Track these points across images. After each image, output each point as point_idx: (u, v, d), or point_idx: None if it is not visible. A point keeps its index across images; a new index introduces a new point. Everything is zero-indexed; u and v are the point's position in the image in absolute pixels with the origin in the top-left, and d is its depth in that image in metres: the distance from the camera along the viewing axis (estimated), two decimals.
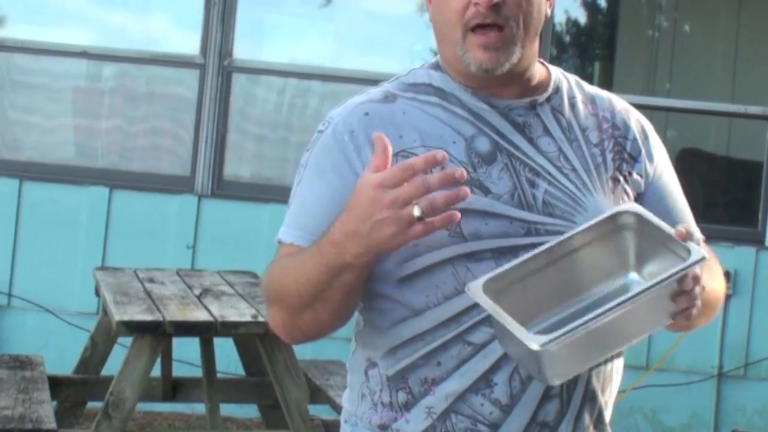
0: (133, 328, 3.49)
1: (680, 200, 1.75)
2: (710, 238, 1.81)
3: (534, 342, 1.42)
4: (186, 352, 4.63)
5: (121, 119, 5.57)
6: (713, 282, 1.66)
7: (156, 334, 3.51)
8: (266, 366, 3.72)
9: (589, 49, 6.84)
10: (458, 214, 1.43)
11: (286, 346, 3.66)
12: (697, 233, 1.75)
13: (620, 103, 1.75)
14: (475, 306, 1.56)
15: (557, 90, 1.70)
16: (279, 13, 5.91)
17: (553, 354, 1.44)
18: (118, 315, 3.52)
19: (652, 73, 6.58)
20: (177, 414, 5.16)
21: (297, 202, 1.66)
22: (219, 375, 4.34)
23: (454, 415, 1.60)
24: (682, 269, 1.47)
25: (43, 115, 5.57)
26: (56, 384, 4.13)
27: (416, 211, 1.40)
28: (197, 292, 4.00)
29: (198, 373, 4.36)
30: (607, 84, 6.09)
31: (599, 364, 1.63)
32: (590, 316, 1.44)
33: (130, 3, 5.75)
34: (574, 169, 1.65)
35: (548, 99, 1.68)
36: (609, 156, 1.68)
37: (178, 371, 4.47)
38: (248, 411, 4.93)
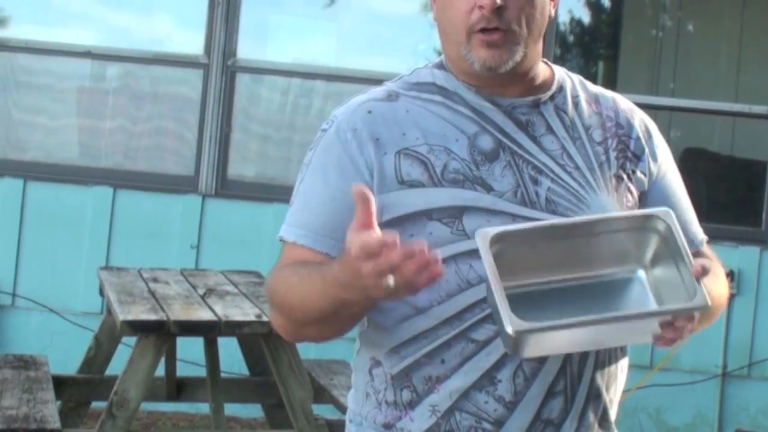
0: (137, 327, 3.50)
1: (684, 200, 1.75)
2: (714, 237, 1.81)
3: (510, 325, 1.43)
4: (190, 351, 4.64)
5: (125, 119, 5.57)
6: (716, 287, 1.66)
7: (160, 334, 3.51)
8: (270, 366, 3.72)
9: (593, 48, 6.84)
10: (439, 273, 1.41)
11: (290, 346, 3.66)
12: (700, 234, 1.76)
13: (624, 103, 1.76)
14: (479, 303, 1.56)
15: (561, 89, 1.70)
16: (283, 12, 5.91)
17: (527, 339, 1.46)
18: (123, 315, 3.52)
19: (655, 73, 6.58)
20: (181, 414, 5.17)
21: (300, 201, 1.67)
22: (223, 375, 4.34)
23: (458, 412, 1.61)
24: (680, 310, 1.48)
25: (47, 115, 5.58)
26: (60, 384, 4.13)
27: (390, 282, 1.40)
28: (201, 291, 4.00)
29: (202, 372, 4.36)
30: (610, 83, 6.09)
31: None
32: (573, 320, 1.45)
33: (134, 3, 5.75)
34: (577, 167, 1.65)
35: (552, 97, 1.69)
36: (612, 154, 1.68)
37: (182, 371, 4.48)
38: (252, 411, 4.93)
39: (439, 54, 1.75)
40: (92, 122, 5.62)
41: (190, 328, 3.60)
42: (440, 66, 1.70)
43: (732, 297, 5.21)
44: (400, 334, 1.62)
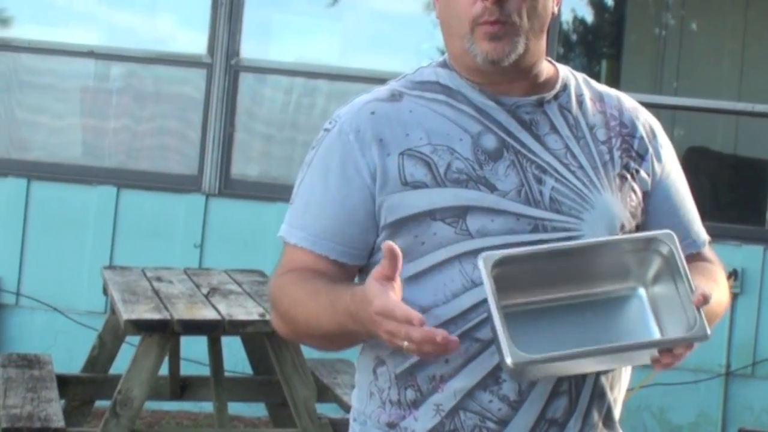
0: (141, 326, 3.50)
1: (687, 200, 1.75)
2: (717, 236, 1.81)
3: (510, 357, 1.44)
4: (194, 350, 4.64)
5: (128, 119, 5.58)
6: (716, 294, 1.66)
7: (164, 333, 3.52)
8: (274, 365, 3.72)
9: (597, 47, 6.83)
10: (453, 351, 1.46)
11: (293, 345, 3.66)
12: (703, 234, 1.76)
13: (629, 101, 1.76)
14: (483, 303, 1.56)
15: (565, 87, 1.70)
16: (286, 12, 5.91)
17: (527, 367, 1.48)
18: (126, 314, 3.53)
19: (659, 72, 6.58)
20: (185, 413, 5.17)
21: (301, 202, 1.68)
22: (227, 374, 4.34)
23: (462, 412, 1.61)
24: (680, 341, 1.49)
25: (51, 115, 5.59)
26: (64, 383, 4.14)
27: (404, 345, 1.45)
28: (205, 290, 4.00)
29: (206, 371, 4.36)
30: (614, 82, 6.09)
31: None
32: (573, 351, 1.46)
33: (137, 3, 5.76)
34: (581, 167, 1.65)
35: (556, 96, 1.69)
36: (616, 153, 1.68)
37: (186, 370, 4.48)
38: (256, 410, 4.93)
39: (443, 53, 1.74)
40: (95, 122, 5.62)
41: (194, 327, 3.61)
42: (444, 65, 1.70)
43: (735, 296, 5.21)
44: None
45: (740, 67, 6.40)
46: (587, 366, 1.55)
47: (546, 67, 1.71)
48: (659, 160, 1.72)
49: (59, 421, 3.58)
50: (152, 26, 5.80)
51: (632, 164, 1.69)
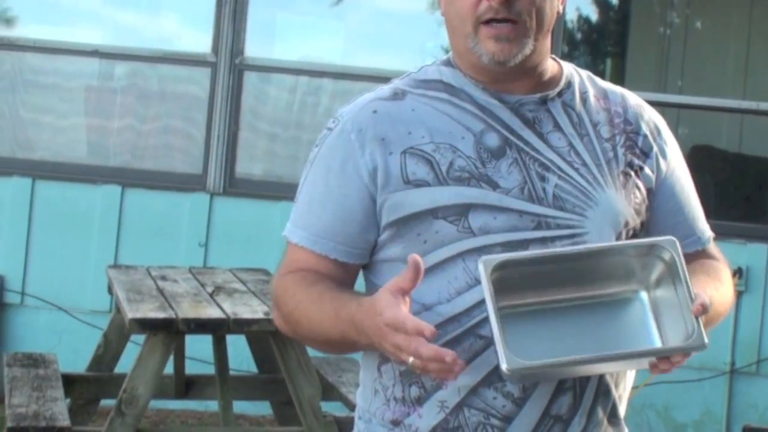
0: (145, 325, 3.51)
1: (692, 197, 1.75)
2: (722, 234, 1.81)
3: (505, 363, 1.45)
4: (199, 349, 4.65)
5: (133, 118, 5.58)
6: (719, 294, 1.66)
7: (169, 332, 3.52)
8: (279, 363, 3.73)
9: (601, 46, 6.83)
10: (460, 369, 1.47)
11: (298, 344, 3.66)
12: (707, 231, 1.76)
13: (633, 99, 1.75)
14: None
15: (569, 85, 1.70)
16: (290, 11, 5.92)
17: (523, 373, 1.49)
18: (131, 313, 3.53)
19: (663, 70, 6.57)
20: (190, 411, 5.18)
21: (303, 200, 1.69)
22: (232, 372, 4.35)
23: (466, 408, 1.61)
24: (677, 350, 1.49)
25: (56, 115, 5.59)
26: (70, 382, 4.15)
27: (410, 360, 1.47)
28: (210, 289, 4.01)
29: (211, 370, 4.37)
30: (618, 81, 6.06)
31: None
32: (569, 359, 1.47)
33: (142, 2, 5.76)
34: (584, 164, 1.65)
35: (559, 94, 1.69)
36: (620, 151, 1.68)
37: (191, 369, 4.49)
38: (261, 408, 4.94)
39: (447, 51, 1.74)
40: (100, 121, 5.63)
41: (199, 325, 3.61)
42: (448, 63, 1.70)
43: (740, 294, 5.21)
44: None
45: (745, 65, 6.39)
46: (585, 370, 1.55)
47: (550, 65, 1.70)
48: (664, 157, 1.72)
49: (64, 420, 3.59)
50: (157, 25, 5.81)
51: (636, 161, 1.69)
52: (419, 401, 1.63)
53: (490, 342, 1.58)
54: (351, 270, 1.67)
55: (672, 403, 5.31)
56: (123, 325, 3.86)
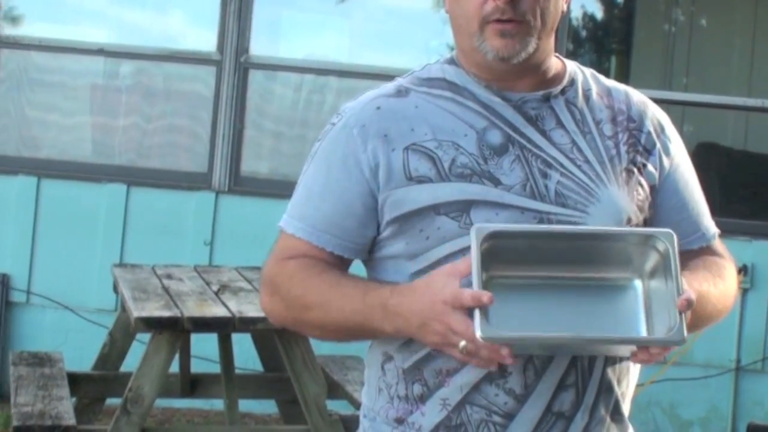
0: (151, 324, 3.51)
1: (696, 194, 1.75)
2: (727, 232, 1.81)
3: (479, 330, 1.46)
4: (204, 348, 4.65)
5: (138, 116, 5.59)
6: (718, 290, 1.66)
7: (174, 331, 3.52)
8: (284, 362, 3.73)
9: (606, 43, 6.82)
10: (509, 362, 1.51)
11: (303, 342, 3.67)
12: (712, 228, 1.76)
13: (637, 96, 1.76)
14: None
15: (572, 82, 1.71)
16: (295, 9, 5.92)
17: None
18: (137, 311, 3.54)
19: (668, 68, 6.56)
20: (196, 410, 5.18)
21: (301, 193, 1.70)
22: (237, 371, 4.35)
23: (468, 406, 1.61)
24: (652, 341, 1.51)
25: (61, 113, 5.60)
26: (75, 380, 4.15)
27: (461, 344, 1.49)
28: (215, 288, 4.01)
29: (216, 369, 4.37)
30: (623, 78, 6.07)
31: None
32: (544, 335, 1.49)
33: (147, 0, 5.77)
34: (587, 161, 1.65)
35: (562, 91, 1.69)
36: (623, 148, 1.68)
37: (197, 367, 4.49)
38: (266, 406, 4.94)
39: (452, 49, 1.75)
40: (105, 120, 5.63)
41: (204, 324, 3.61)
42: (451, 61, 1.71)
43: (745, 291, 5.20)
44: None
45: (750, 62, 6.38)
46: (565, 350, 1.56)
47: (554, 63, 1.71)
48: (667, 154, 1.72)
49: (70, 419, 3.59)
50: (162, 24, 5.81)
51: (639, 159, 1.69)
52: (422, 399, 1.63)
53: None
54: (345, 265, 1.68)
55: (678, 400, 5.31)
56: (128, 323, 3.86)
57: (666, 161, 1.71)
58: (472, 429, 1.61)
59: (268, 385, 4.34)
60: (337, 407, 4.04)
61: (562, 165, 1.64)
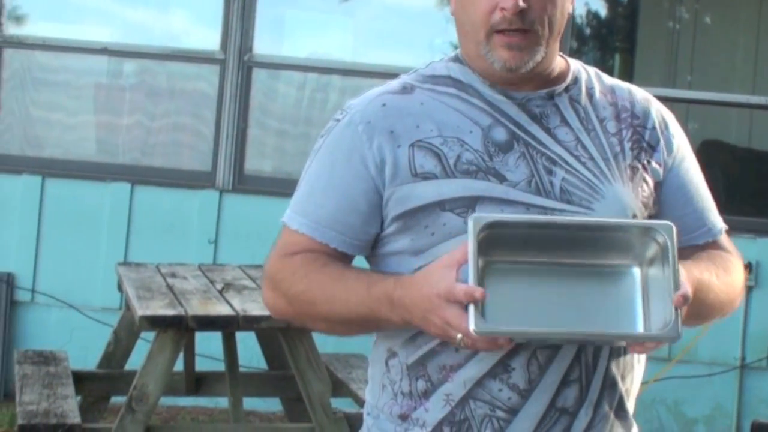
0: (155, 322, 3.51)
1: (702, 189, 1.75)
2: (732, 229, 1.81)
3: (473, 325, 1.46)
4: (208, 346, 4.65)
5: (142, 115, 5.59)
6: (721, 282, 1.66)
7: (178, 329, 3.52)
8: (288, 360, 3.73)
9: (610, 41, 6.81)
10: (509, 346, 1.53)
11: (307, 340, 3.67)
12: (719, 223, 1.76)
13: (640, 93, 1.76)
14: None
15: (576, 81, 1.71)
16: (298, 7, 5.92)
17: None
18: (141, 310, 3.54)
19: (672, 65, 6.55)
20: (200, 408, 5.19)
21: (305, 188, 1.70)
22: (241, 369, 4.35)
23: (472, 401, 1.61)
24: (646, 337, 1.51)
25: (65, 112, 5.60)
26: (80, 379, 4.16)
27: (458, 337, 1.50)
28: (219, 286, 4.01)
29: (221, 367, 4.37)
30: (627, 76, 6.07)
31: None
32: (541, 330, 1.50)
33: None
34: (591, 158, 1.66)
35: (566, 89, 1.69)
36: (627, 145, 1.69)
37: (201, 365, 4.49)
38: (271, 404, 4.95)
39: (456, 48, 1.75)
40: (109, 119, 5.64)
41: (209, 322, 3.61)
42: (456, 59, 1.71)
43: (750, 289, 5.20)
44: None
45: (754, 60, 6.37)
46: (556, 341, 1.57)
47: (558, 62, 1.71)
48: (671, 150, 1.72)
49: (75, 417, 3.60)
50: (165, 23, 5.82)
51: (643, 155, 1.69)
52: (425, 395, 1.64)
53: None
54: (348, 261, 1.68)
55: (682, 398, 5.30)
56: (133, 322, 3.86)
57: (670, 157, 1.72)
58: (475, 424, 1.61)
59: (272, 383, 4.34)
60: (342, 405, 4.04)
61: (566, 162, 1.64)
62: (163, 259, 4.70)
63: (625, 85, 1.76)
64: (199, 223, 5.35)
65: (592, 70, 1.75)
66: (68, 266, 5.33)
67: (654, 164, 1.69)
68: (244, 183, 5.41)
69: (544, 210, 1.61)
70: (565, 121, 1.67)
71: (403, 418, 1.66)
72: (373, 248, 1.68)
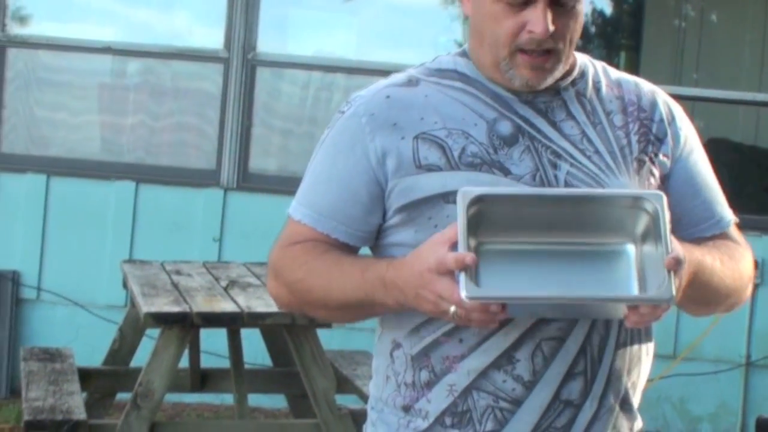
0: (160, 319, 3.51)
1: (710, 181, 1.75)
2: (738, 227, 1.80)
3: (464, 290, 1.45)
4: (213, 343, 4.66)
5: (146, 114, 5.59)
6: (724, 267, 1.65)
7: (183, 326, 3.52)
8: (293, 356, 3.73)
9: (615, 39, 6.81)
10: (503, 317, 1.51)
11: (312, 337, 3.67)
12: (728, 215, 1.75)
13: (647, 86, 1.76)
14: None
15: (583, 75, 1.71)
16: (302, 6, 5.92)
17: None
18: (146, 307, 3.54)
19: (678, 63, 6.55)
20: (205, 405, 5.19)
21: (309, 179, 1.71)
22: (246, 366, 4.36)
23: (475, 392, 1.61)
24: (638, 300, 1.50)
25: (69, 112, 5.61)
26: (86, 376, 4.16)
27: (451, 310, 1.49)
28: (224, 283, 4.01)
29: (226, 364, 4.38)
30: (633, 74, 6.04)
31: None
32: (531, 294, 1.49)
33: None
34: (597, 152, 1.65)
35: (573, 83, 1.69)
36: (634, 138, 1.68)
37: (206, 362, 4.49)
38: (276, 401, 4.95)
39: (460, 45, 1.75)
40: (114, 118, 5.64)
41: (213, 319, 3.62)
42: (463, 54, 1.71)
43: (756, 287, 5.18)
44: (420, 314, 1.62)
45: (761, 57, 6.36)
46: (551, 312, 1.55)
47: None
48: (678, 142, 1.72)
49: (81, 414, 3.60)
50: (169, 22, 5.82)
51: (650, 148, 1.69)
52: (428, 386, 1.63)
53: (500, 324, 1.58)
54: (352, 252, 1.68)
55: (688, 395, 5.30)
56: (138, 319, 3.87)
57: (677, 150, 1.71)
58: (477, 415, 1.61)
59: (277, 380, 4.34)
60: (346, 402, 4.04)
61: (571, 156, 1.64)
62: (167, 257, 4.71)
63: (632, 78, 1.76)
64: (203, 221, 5.35)
65: (599, 64, 1.75)
66: (73, 264, 5.34)
67: (661, 157, 1.69)
68: (249, 181, 5.41)
69: None
70: (570, 115, 1.66)
71: (406, 409, 1.66)
72: (376, 239, 1.68)
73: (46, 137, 5.59)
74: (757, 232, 5.24)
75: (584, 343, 1.61)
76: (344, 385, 3.99)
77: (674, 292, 1.48)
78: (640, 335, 1.67)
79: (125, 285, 4.27)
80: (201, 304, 3.64)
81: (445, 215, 1.60)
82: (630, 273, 1.54)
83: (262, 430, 4.10)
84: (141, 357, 4.01)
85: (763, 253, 5.25)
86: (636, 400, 1.69)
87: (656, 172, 1.68)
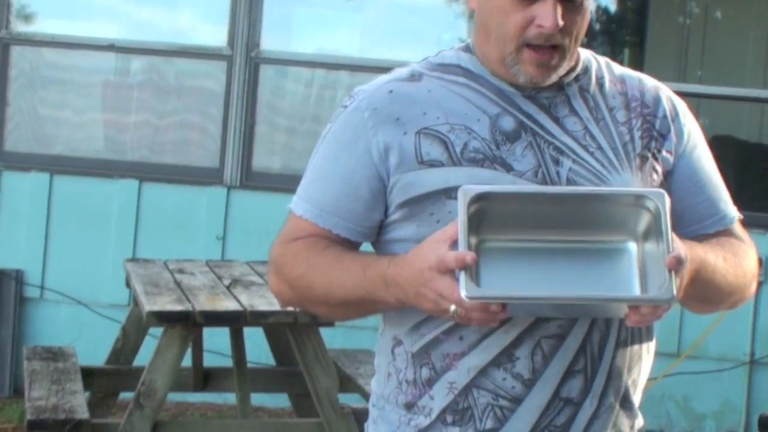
0: (163, 318, 3.51)
1: (713, 176, 1.74)
2: (742, 224, 1.79)
3: (464, 290, 1.45)
4: (216, 342, 4.66)
5: (149, 112, 5.59)
6: (727, 264, 1.64)
7: (186, 324, 3.52)
8: (296, 355, 3.72)
9: (620, 36, 6.80)
10: (503, 317, 1.51)
11: (315, 336, 3.66)
12: (731, 211, 1.74)
13: (650, 82, 1.75)
14: None
15: (586, 70, 1.70)
16: (306, 4, 5.91)
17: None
18: (149, 305, 3.54)
19: (683, 60, 6.54)
20: (208, 404, 5.19)
21: (310, 174, 1.70)
22: (249, 365, 4.36)
23: (476, 389, 1.61)
24: (638, 300, 1.49)
25: (73, 110, 5.61)
26: (89, 375, 4.16)
27: (451, 308, 1.48)
28: (227, 282, 4.01)
29: (228, 363, 4.37)
30: (637, 71, 6.04)
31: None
32: (531, 295, 1.48)
33: None
34: (599, 148, 1.65)
35: (576, 78, 1.68)
36: (637, 134, 1.67)
37: (209, 361, 4.49)
38: (279, 400, 4.94)
39: (464, 42, 1.74)
40: (117, 116, 5.64)
41: (216, 318, 3.62)
42: (467, 49, 1.70)
43: (760, 284, 5.17)
44: (421, 312, 1.61)
45: (765, 54, 6.35)
46: (551, 312, 1.55)
47: None
48: (682, 138, 1.71)
49: (84, 413, 3.60)
50: (172, 19, 5.82)
51: (654, 144, 1.68)
52: (429, 383, 1.63)
53: (500, 323, 1.58)
54: (353, 248, 1.68)
55: (691, 393, 5.29)
56: (141, 318, 3.87)
57: (680, 145, 1.70)
58: (477, 413, 1.61)
59: (280, 379, 4.34)
60: (349, 401, 4.04)
61: (574, 152, 1.63)
62: (171, 256, 4.71)
63: (635, 74, 1.75)
64: (206, 219, 5.35)
65: (603, 60, 1.74)
66: (77, 263, 5.34)
67: (664, 153, 1.68)
68: (252, 180, 5.40)
69: None
70: (573, 111, 1.66)
71: (409, 406, 1.65)
72: (378, 234, 1.68)
73: (50, 135, 5.59)
74: (762, 229, 5.23)
75: (584, 341, 1.60)
76: (347, 384, 3.98)
77: (675, 292, 1.47)
78: (641, 333, 1.66)
79: (128, 284, 4.27)
80: (204, 302, 3.64)
81: (447, 211, 1.59)
82: (631, 271, 1.53)
83: (265, 429, 4.10)
84: (144, 356, 4.01)
85: (766, 250, 5.24)
86: (637, 398, 1.69)
87: (659, 169, 1.67)
